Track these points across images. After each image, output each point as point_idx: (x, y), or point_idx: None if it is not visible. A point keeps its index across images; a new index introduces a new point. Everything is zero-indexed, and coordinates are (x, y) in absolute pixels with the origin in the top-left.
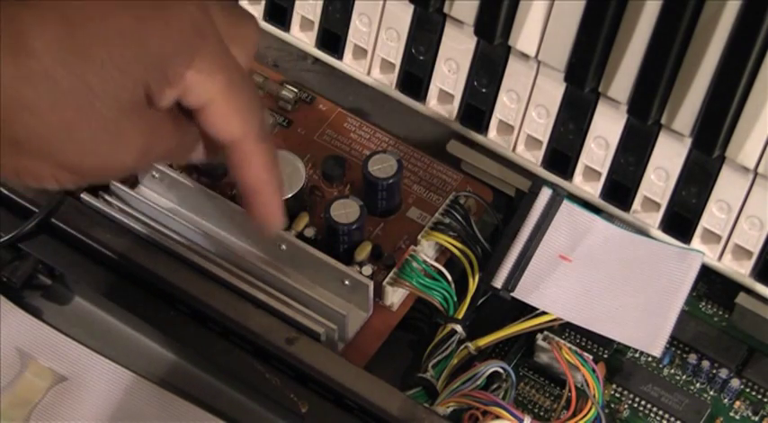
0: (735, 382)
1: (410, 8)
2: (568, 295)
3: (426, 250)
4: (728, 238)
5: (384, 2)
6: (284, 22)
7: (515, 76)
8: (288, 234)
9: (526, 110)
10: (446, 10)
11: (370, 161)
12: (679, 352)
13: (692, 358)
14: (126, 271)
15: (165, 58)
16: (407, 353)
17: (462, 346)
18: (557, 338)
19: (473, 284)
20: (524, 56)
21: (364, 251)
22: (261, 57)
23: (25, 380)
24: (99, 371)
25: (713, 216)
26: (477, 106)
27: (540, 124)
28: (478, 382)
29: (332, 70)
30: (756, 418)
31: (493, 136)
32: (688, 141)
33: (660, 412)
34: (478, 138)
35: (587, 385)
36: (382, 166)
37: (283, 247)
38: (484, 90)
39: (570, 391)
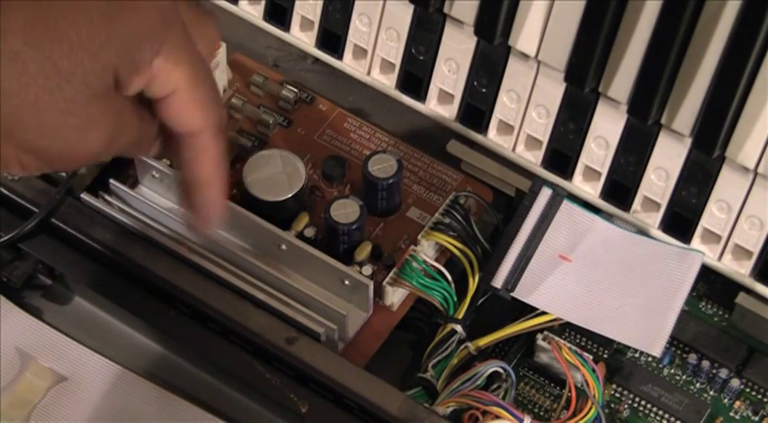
0: (735, 382)
1: (410, 8)
2: (568, 295)
3: (426, 250)
4: (728, 238)
5: (384, 2)
6: (284, 22)
7: (515, 76)
8: (288, 234)
9: (526, 110)
10: (446, 10)
11: (370, 161)
12: (679, 352)
13: (692, 358)
14: (126, 271)
15: (134, 45)
16: (407, 353)
17: (462, 346)
18: (557, 338)
19: (473, 284)
20: (524, 56)
21: (364, 251)
22: (261, 57)
23: (25, 380)
24: (99, 371)
25: (713, 216)
26: (477, 106)
27: (540, 124)
28: (478, 382)
29: (332, 70)
30: (756, 418)
31: (493, 136)
32: (688, 141)
33: (660, 412)
34: (478, 138)
35: (587, 385)
36: (382, 166)
37: (283, 247)
38: (484, 90)
39: (570, 391)
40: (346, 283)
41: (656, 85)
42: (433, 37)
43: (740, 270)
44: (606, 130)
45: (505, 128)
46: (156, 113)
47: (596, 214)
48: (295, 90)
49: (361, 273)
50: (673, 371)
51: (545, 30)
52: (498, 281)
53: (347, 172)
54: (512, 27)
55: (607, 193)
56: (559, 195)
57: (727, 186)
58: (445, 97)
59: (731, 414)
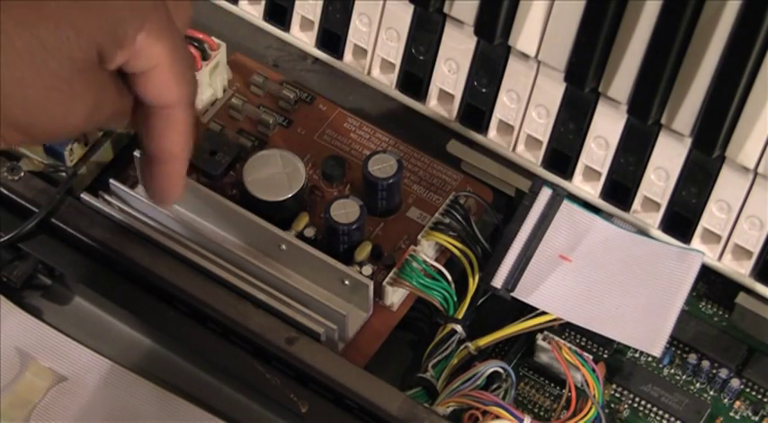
0: (735, 382)
1: (410, 8)
2: (568, 295)
3: (426, 250)
4: (728, 237)
5: (384, 2)
6: (284, 22)
7: (515, 76)
8: (288, 234)
9: (526, 110)
10: (446, 10)
11: (370, 161)
12: (679, 352)
13: (692, 358)
14: (126, 271)
15: (119, 21)
16: (407, 353)
17: (462, 346)
18: (557, 338)
19: (473, 284)
20: (524, 56)
21: (364, 251)
22: (261, 57)
23: (25, 380)
24: (99, 371)
25: (713, 216)
26: (477, 106)
27: (540, 124)
28: (478, 382)
29: (332, 70)
30: (756, 418)
31: (493, 136)
32: (688, 141)
33: (660, 412)
34: (478, 138)
35: (587, 385)
36: (382, 166)
37: (283, 247)
38: (484, 90)
39: (570, 391)
40: (346, 283)
41: (656, 85)
42: (433, 37)
43: (740, 270)
44: (606, 130)
45: (505, 128)
46: (131, 87)
47: (596, 214)
48: (295, 90)
49: (361, 273)
50: (673, 371)
51: (545, 30)
52: (498, 281)
53: (347, 172)
54: (512, 27)
55: (607, 193)
56: (559, 195)
57: (727, 186)
58: (445, 97)
59: (731, 414)
